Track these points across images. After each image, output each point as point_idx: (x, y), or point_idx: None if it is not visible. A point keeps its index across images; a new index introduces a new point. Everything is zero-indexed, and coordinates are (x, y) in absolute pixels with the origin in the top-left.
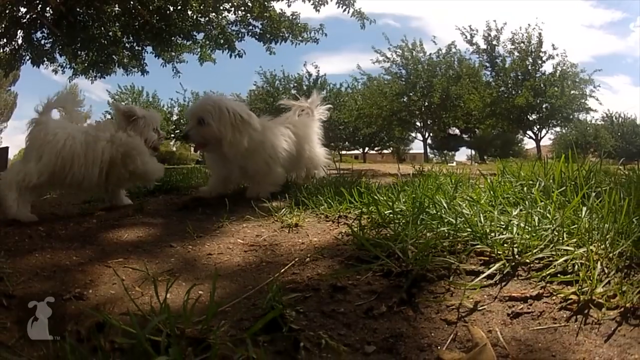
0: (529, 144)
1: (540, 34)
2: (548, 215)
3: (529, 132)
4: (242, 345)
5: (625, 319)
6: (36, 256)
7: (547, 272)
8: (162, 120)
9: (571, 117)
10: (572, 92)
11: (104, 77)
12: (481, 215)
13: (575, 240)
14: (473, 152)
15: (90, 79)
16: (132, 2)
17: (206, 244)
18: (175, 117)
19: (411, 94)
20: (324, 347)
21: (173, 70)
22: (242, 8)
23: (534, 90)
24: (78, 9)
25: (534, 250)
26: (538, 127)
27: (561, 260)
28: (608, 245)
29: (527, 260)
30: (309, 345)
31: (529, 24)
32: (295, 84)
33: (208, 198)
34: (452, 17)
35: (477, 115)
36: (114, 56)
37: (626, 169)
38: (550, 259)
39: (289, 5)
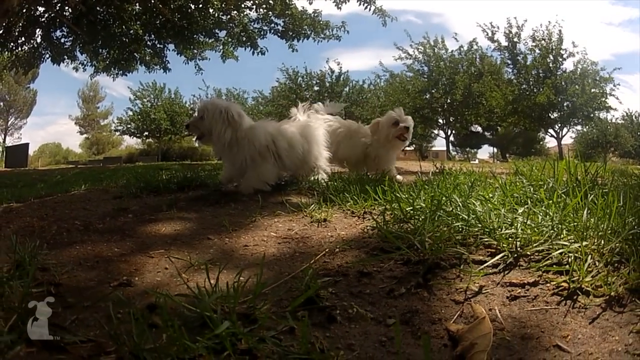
0: (550, 142)
1: (560, 31)
2: (550, 213)
3: (551, 131)
4: (283, 319)
5: (610, 306)
6: (77, 248)
7: (544, 263)
8: (184, 116)
9: (592, 115)
10: (592, 90)
11: (126, 75)
12: (491, 212)
13: (572, 236)
14: (495, 150)
15: (112, 76)
16: (153, 1)
17: (241, 236)
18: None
19: (433, 91)
20: (353, 318)
21: (195, 67)
22: (264, 6)
23: (555, 88)
24: (98, 8)
25: (535, 244)
26: (559, 125)
27: (557, 253)
28: (600, 241)
29: (528, 253)
30: (340, 319)
31: (549, 22)
32: (318, 81)
33: (237, 194)
34: (473, 14)
35: (499, 113)
36: (135, 54)
37: None
38: (548, 252)
39: (310, 3)
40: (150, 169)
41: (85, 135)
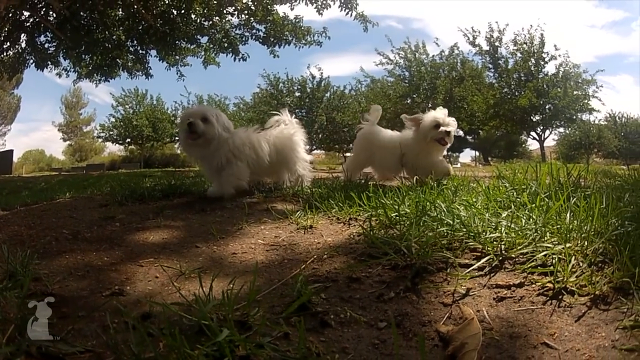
0: (533, 144)
1: (542, 34)
2: (533, 217)
3: (533, 133)
4: (277, 325)
5: (595, 304)
6: (67, 257)
7: (529, 265)
8: (166, 123)
9: (574, 117)
10: (574, 92)
11: (108, 81)
12: (475, 217)
13: (555, 238)
14: (477, 154)
15: (95, 82)
16: (135, 7)
17: (229, 244)
18: (179, 120)
19: (415, 96)
20: (345, 323)
21: (177, 73)
22: (246, 12)
23: (537, 91)
24: (82, 13)
25: (519, 247)
26: (541, 128)
27: (541, 255)
28: (584, 243)
29: (513, 255)
30: (333, 323)
31: (531, 25)
32: (299, 87)
33: (225, 201)
34: (454, 19)
35: (481, 117)
36: (118, 60)
37: (630, 169)
38: (532, 254)
39: (292, 9)
40: (134, 176)
41: (68, 142)
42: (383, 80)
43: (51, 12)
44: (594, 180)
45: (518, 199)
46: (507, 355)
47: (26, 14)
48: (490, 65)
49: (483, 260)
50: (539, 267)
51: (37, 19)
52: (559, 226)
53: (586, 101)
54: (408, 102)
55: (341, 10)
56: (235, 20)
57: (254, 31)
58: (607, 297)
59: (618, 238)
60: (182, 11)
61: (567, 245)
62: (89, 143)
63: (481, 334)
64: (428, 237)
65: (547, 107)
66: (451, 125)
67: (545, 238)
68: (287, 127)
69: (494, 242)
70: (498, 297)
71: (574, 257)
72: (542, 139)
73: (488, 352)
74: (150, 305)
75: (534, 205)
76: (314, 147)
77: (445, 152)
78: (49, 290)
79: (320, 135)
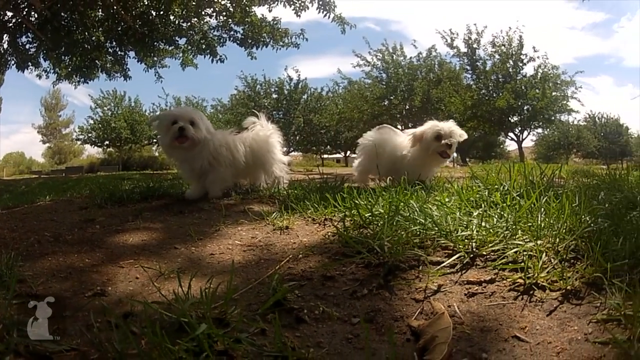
0: (511, 145)
1: (521, 36)
2: (505, 215)
3: (511, 134)
4: (254, 321)
5: (567, 299)
6: (49, 259)
7: (500, 262)
8: (144, 125)
9: (553, 118)
10: (553, 93)
11: (87, 82)
12: (447, 216)
13: (526, 236)
14: (455, 155)
15: (74, 83)
16: (115, 7)
17: (207, 245)
18: (157, 122)
19: (392, 98)
20: (320, 319)
21: (155, 75)
22: (224, 13)
23: (515, 93)
24: (63, 14)
25: (490, 245)
26: (520, 129)
27: (512, 252)
28: (556, 240)
29: (484, 253)
30: (308, 319)
31: (509, 27)
32: (276, 88)
33: (202, 203)
34: (433, 21)
35: (458, 118)
36: (97, 61)
37: (609, 169)
38: (503, 251)
39: (270, 11)
40: (113, 179)
41: (47, 145)
42: (360, 82)
43: (33, 13)
44: (571, 179)
45: (490, 199)
46: (478, 348)
47: (9, 14)
48: (468, 67)
49: (454, 257)
50: (510, 264)
51: (19, 20)
52: (530, 224)
53: (565, 102)
54: (385, 103)
55: (319, 12)
56: (213, 21)
57: (232, 33)
58: (580, 292)
59: (590, 235)
60: (161, 12)
61: (539, 242)
62: (68, 145)
63: (452, 327)
64: (400, 236)
65: (525, 108)
66: (454, 136)
67: (517, 236)
68: (263, 129)
69: (465, 240)
70: (469, 293)
71: (545, 254)
72: (520, 139)
73: (459, 345)
74: (131, 305)
75: (505, 204)
76: (291, 148)
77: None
78: (33, 291)
79: (297, 137)
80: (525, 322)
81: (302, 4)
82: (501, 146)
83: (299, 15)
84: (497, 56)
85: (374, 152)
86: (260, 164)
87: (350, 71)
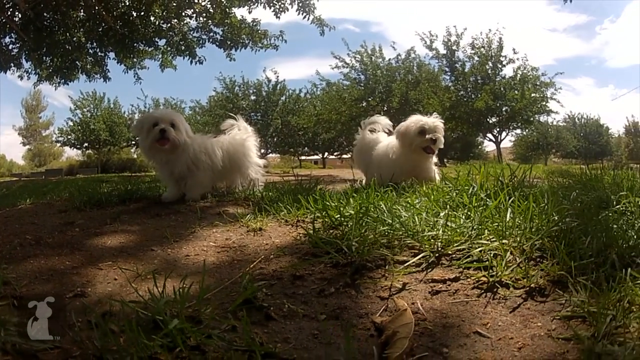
0: (489, 146)
1: (500, 38)
2: (471, 215)
3: (489, 135)
4: (225, 319)
5: (531, 296)
6: (31, 262)
7: (465, 261)
8: (123, 127)
9: (532, 119)
10: (532, 95)
11: (67, 83)
12: (415, 217)
13: (492, 236)
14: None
15: (54, 85)
16: (97, 8)
17: (183, 247)
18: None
19: (370, 99)
20: (288, 316)
21: (135, 76)
22: (204, 14)
23: (494, 94)
24: (45, 14)
25: (456, 244)
26: (498, 129)
27: (477, 251)
28: (522, 239)
29: (449, 252)
30: (276, 316)
31: (489, 29)
32: (255, 90)
33: (179, 206)
34: (413, 23)
35: None
36: (77, 62)
37: (589, 169)
38: (469, 250)
39: (250, 12)
40: (91, 181)
41: (28, 147)
42: (339, 83)
43: (17, 13)
44: (547, 179)
45: (458, 200)
46: (439, 343)
47: None
48: (447, 69)
49: (419, 256)
50: (474, 263)
51: (3, 20)
52: (497, 224)
53: (544, 103)
54: (363, 105)
55: (299, 14)
56: (193, 23)
57: (211, 34)
58: (544, 289)
59: (557, 234)
60: (142, 13)
61: (504, 241)
62: (47, 147)
63: (413, 323)
64: (368, 237)
65: (503, 109)
66: (439, 130)
67: (483, 235)
68: (240, 132)
69: (431, 240)
70: (433, 291)
71: (510, 253)
72: (499, 140)
73: (421, 340)
74: (110, 304)
75: (471, 205)
76: (269, 150)
77: (434, 158)
78: (17, 293)
79: (275, 139)
80: (488, 319)
81: (282, 5)
82: (479, 147)
83: (279, 17)
84: (476, 58)
85: (357, 155)
86: (237, 167)
87: (329, 73)
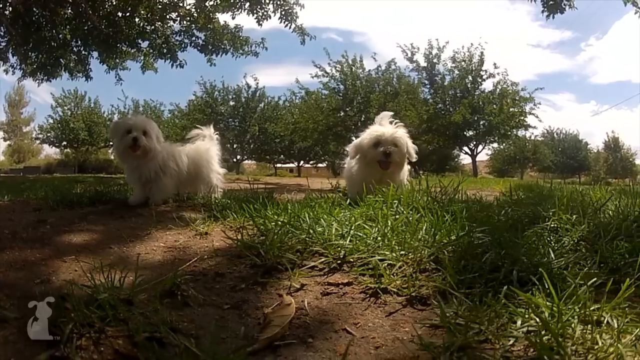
0: (465, 159)
1: (482, 52)
2: (379, 228)
3: (465, 148)
4: (152, 303)
5: (411, 304)
6: (7, 253)
7: (361, 268)
8: (102, 127)
9: (509, 133)
10: (511, 109)
11: (50, 80)
12: (331, 227)
13: (396, 247)
14: (409, 167)
15: (37, 81)
16: (83, 6)
17: (137, 246)
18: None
19: (348, 109)
20: (201, 304)
21: (116, 77)
22: (188, 18)
23: (472, 108)
24: (34, 9)
25: (358, 253)
26: (474, 143)
27: (375, 260)
28: (421, 251)
29: (351, 259)
30: (192, 304)
31: (471, 43)
32: (234, 96)
33: (142, 209)
34: (397, 35)
35: (413, 132)
36: (61, 59)
37: (565, 183)
38: (368, 259)
39: (233, 18)
40: (67, 181)
41: (8, 142)
42: (317, 92)
43: (8, 6)
44: (501, 193)
45: (380, 213)
46: (308, 335)
47: None
48: (427, 81)
49: (323, 262)
50: (369, 270)
51: None
52: (402, 237)
53: (522, 118)
54: (341, 115)
55: (281, 22)
56: (176, 26)
57: (194, 38)
58: (427, 299)
59: (457, 248)
60: (127, 14)
61: (401, 252)
62: (27, 144)
63: (292, 316)
64: (285, 243)
65: (481, 123)
66: (398, 143)
67: (385, 246)
68: (204, 141)
69: (337, 248)
70: (325, 292)
71: (403, 263)
72: (475, 153)
73: (295, 331)
74: (67, 288)
75: (383, 218)
76: (245, 157)
77: (406, 169)
78: None
79: (251, 146)
80: (362, 320)
81: (265, 13)
82: (456, 159)
83: (261, 24)
84: (456, 71)
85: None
86: (199, 174)
87: (309, 81)
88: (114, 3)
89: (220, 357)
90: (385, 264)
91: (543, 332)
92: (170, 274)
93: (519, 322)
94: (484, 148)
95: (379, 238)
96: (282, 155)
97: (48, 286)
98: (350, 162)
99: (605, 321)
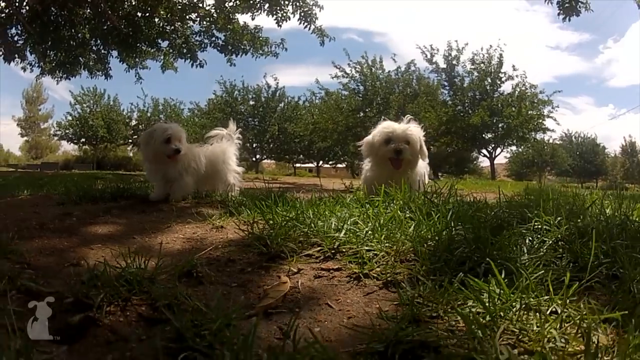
0: (484, 161)
1: (501, 55)
2: (371, 223)
3: (484, 151)
4: (171, 281)
5: (387, 287)
6: (37, 242)
7: (351, 257)
8: (121, 124)
9: (527, 136)
10: (529, 112)
11: (69, 78)
12: (331, 222)
13: (384, 240)
14: (428, 169)
15: (56, 79)
16: (102, 6)
17: (158, 237)
18: (134, 123)
19: (367, 110)
20: (213, 283)
21: (136, 75)
22: (208, 18)
23: (491, 110)
24: (52, 9)
25: (350, 244)
26: (493, 145)
27: (362, 250)
28: (404, 244)
29: (344, 250)
30: (205, 283)
31: (490, 45)
32: (254, 95)
33: (162, 205)
34: (416, 35)
35: (432, 133)
36: (80, 58)
37: (584, 187)
38: (357, 250)
39: (253, 19)
40: (87, 177)
41: (25, 138)
42: (337, 93)
43: (25, 5)
44: (505, 196)
45: (372, 211)
46: (296, 306)
47: (2, 4)
48: (446, 83)
49: (319, 251)
50: (357, 259)
51: (10, 12)
52: (390, 232)
53: (540, 121)
54: (360, 115)
55: (300, 23)
56: (196, 27)
57: (213, 39)
58: (400, 283)
59: (436, 243)
60: (147, 14)
61: (386, 244)
62: (45, 140)
63: (285, 292)
64: (289, 235)
65: (499, 125)
66: (411, 139)
67: (374, 239)
68: (221, 142)
69: (333, 240)
70: (317, 275)
71: (386, 254)
72: (493, 156)
73: (288, 304)
74: (97, 269)
75: (374, 215)
76: (264, 156)
77: (422, 168)
78: (27, 261)
79: (271, 145)
80: (343, 297)
81: (284, 14)
82: (474, 162)
83: (280, 26)
84: (475, 73)
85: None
86: (216, 174)
87: (329, 82)
88: (133, 3)
89: (224, 315)
90: (371, 254)
91: (484, 313)
92: (190, 257)
93: (469, 303)
94: (502, 151)
95: (370, 232)
96: (301, 155)
97: (78, 269)
98: (366, 161)
99: (552, 310)
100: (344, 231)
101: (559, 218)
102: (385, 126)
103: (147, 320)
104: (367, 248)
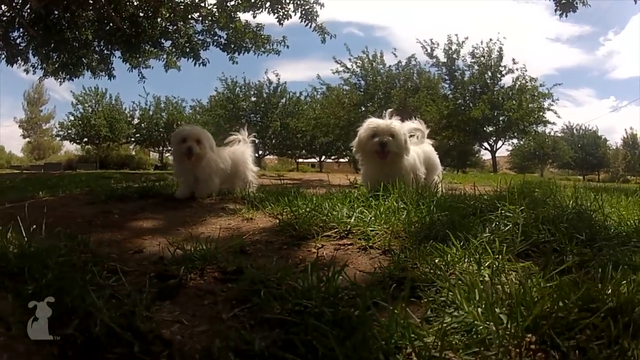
0: (486, 154)
1: (501, 48)
2: (374, 212)
3: (485, 144)
4: (228, 257)
5: (384, 253)
6: (92, 236)
7: (359, 235)
8: (123, 123)
9: (528, 129)
10: (530, 105)
11: (72, 79)
12: (343, 211)
13: (383, 223)
14: (441, 167)
15: (59, 80)
16: (105, 8)
17: (199, 228)
18: (136, 121)
19: (369, 105)
20: (260, 256)
21: (139, 75)
22: (210, 18)
23: (491, 103)
24: (55, 12)
25: (358, 227)
26: (494, 139)
27: (368, 230)
28: (398, 226)
29: (354, 231)
30: (254, 255)
31: (490, 39)
32: (256, 91)
33: (190, 202)
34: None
35: (434, 127)
36: (83, 59)
37: (585, 180)
38: (364, 230)
39: (254, 17)
40: (94, 177)
41: (27, 139)
42: (339, 88)
43: (27, 8)
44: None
45: (374, 202)
46: (325, 266)
47: (4, 7)
48: (447, 77)
49: (335, 232)
50: (363, 236)
51: (12, 14)
52: (388, 218)
53: (541, 113)
54: (362, 110)
55: (301, 21)
56: (198, 26)
57: (216, 37)
58: (394, 251)
59: (421, 224)
60: (149, 15)
61: (385, 226)
62: (47, 141)
63: (315, 258)
64: (311, 222)
65: (500, 118)
66: (395, 133)
67: (376, 223)
68: (240, 144)
69: (345, 225)
70: (336, 248)
71: (385, 233)
72: (494, 149)
73: (319, 266)
74: (162, 252)
75: (376, 206)
76: (267, 152)
77: (413, 160)
78: (92, 250)
79: (273, 141)
80: (355, 260)
81: (285, 12)
82: (476, 155)
83: (282, 24)
84: (475, 67)
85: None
86: (237, 172)
87: (330, 77)
88: (136, 4)
89: (283, 268)
90: (373, 233)
91: (443, 263)
92: (235, 243)
93: (437, 260)
94: (503, 144)
95: (373, 218)
96: (303, 151)
97: (141, 256)
98: (360, 160)
99: (489, 265)
100: (353, 218)
101: (521, 207)
102: (370, 122)
103: (222, 281)
104: (371, 229)
